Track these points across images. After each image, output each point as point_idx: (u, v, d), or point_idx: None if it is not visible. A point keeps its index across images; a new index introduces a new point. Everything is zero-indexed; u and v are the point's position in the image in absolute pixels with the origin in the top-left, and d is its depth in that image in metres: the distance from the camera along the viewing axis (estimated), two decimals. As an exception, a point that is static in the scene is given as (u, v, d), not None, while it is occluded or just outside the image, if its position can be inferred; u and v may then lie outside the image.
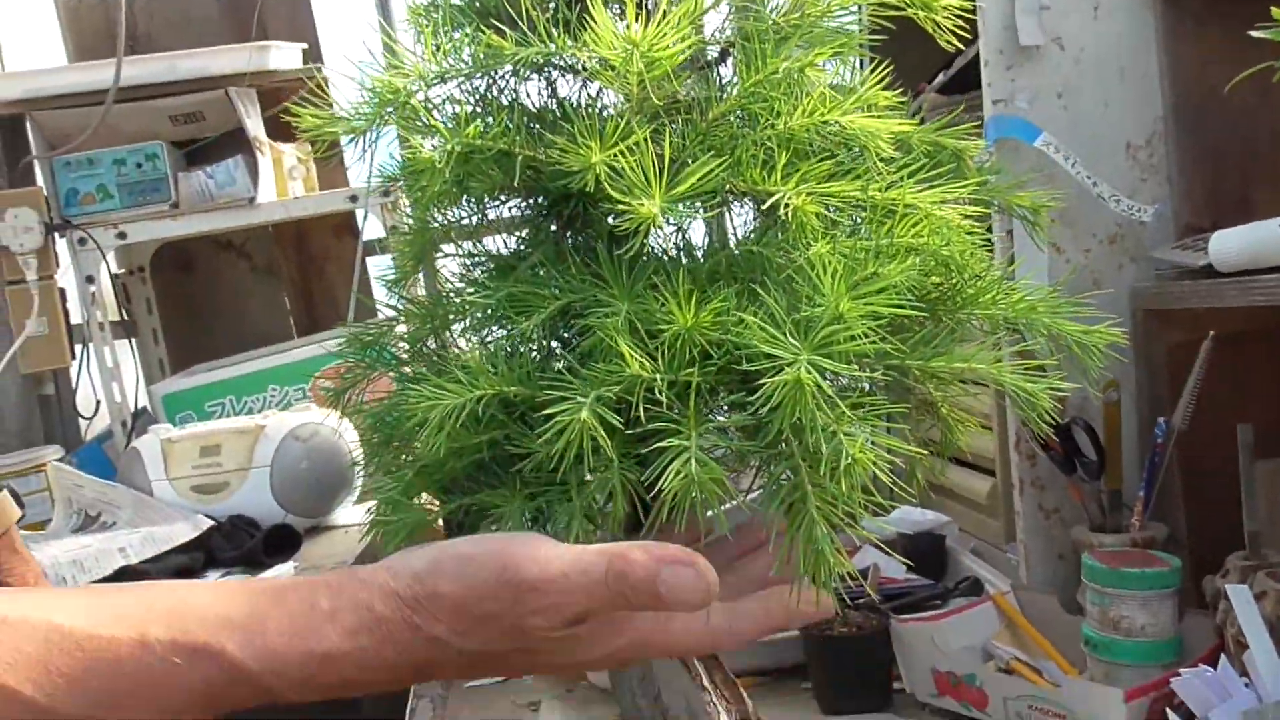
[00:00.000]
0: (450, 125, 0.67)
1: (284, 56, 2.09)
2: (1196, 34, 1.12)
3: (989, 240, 0.66)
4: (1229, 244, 0.98)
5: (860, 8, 0.76)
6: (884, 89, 0.70)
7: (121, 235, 2.01)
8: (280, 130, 2.20)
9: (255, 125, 2.06)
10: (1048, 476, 1.19)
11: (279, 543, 1.70)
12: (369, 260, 2.21)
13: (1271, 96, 0.86)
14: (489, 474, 0.58)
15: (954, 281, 0.61)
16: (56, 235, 2.01)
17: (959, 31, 0.73)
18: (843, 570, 0.49)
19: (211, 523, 1.72)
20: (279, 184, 2.09)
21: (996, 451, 1.29)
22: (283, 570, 1.61)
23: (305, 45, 2.19)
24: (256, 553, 1.66)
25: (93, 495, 1.82)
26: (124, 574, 1.56)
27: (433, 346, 0.70)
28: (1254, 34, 0.77)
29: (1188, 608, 1.00)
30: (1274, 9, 0.76)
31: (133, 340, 2.30)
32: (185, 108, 2.04)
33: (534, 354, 0.61)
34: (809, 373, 0.47)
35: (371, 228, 2.13)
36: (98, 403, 2.21)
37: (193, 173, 2.03)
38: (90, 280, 2.02)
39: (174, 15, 2.27)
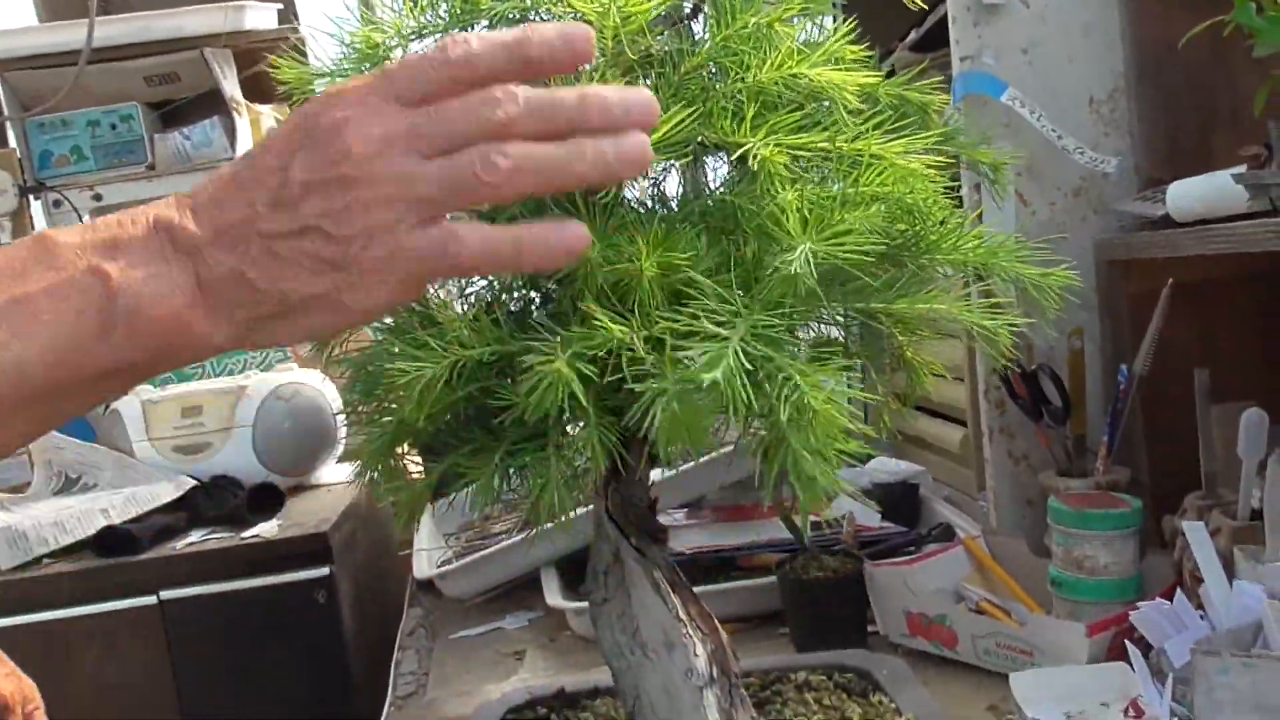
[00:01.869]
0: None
1: (260, 16, 2.08)
2: (1158, -9, 1.14)
3: (953, 188, 0.68)
4: (1186, 195, 1.01)
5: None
6: (852, 44, 0.72)
7: (97, 197, 2.01)
8: (257, 91, 2.19)
9: (231, 86, 2.05)
10: (1016, 424, 1.22)
11: (263, 501, 1.72)
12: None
13: (1226, 51, 0.88)
14: (468, 428, 0.60)
15: (918, 228, 0.63)
16: (31, 198, 2.00)
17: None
18: (837, 490, 0.52)
19: (194, 482, 1.74)
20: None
21: (967, 402, 1.32)
22: (267, 528, 1.63)
23: (280, 5, 2.17)
24: (240, 511, 1.68)
25: (73, 457, 1.84)
26: (107, 534, 1.58)
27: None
28: (1208, -12, 0.80)
29: (1149, 547, 1.04)
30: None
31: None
32: (160, 68, 2.03)
33: (516, 306, 0.63)
34: (740, 351, 0.48)
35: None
36: (77, 366, 2.21)
37: (169, 134, 2.02)
38: (67, 243, 2.02)
39: (147, -25, 2.24)
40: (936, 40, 1.41)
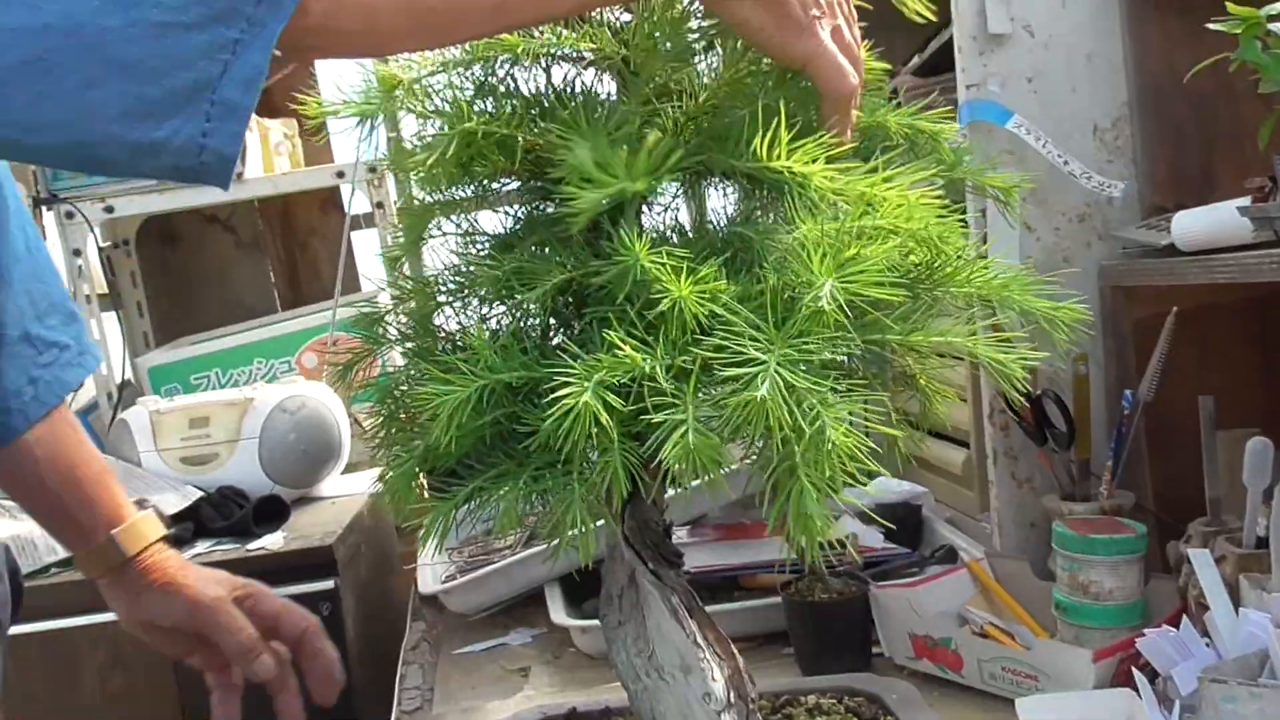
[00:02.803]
0: (453, 109, 0.70)
1: (269, 32, 2.09)
2: (1159, 21, 1.16)
3: (959, 212, 0.69)
4: (1190, 225, 1.02)
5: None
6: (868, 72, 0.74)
7: (109, 209, 2.02)
8: (266, 105, 2.21)
9: (241, 100, 2.06)
10: (1020, 447, 1.23)
11: (268, 513, 1.72)
12: (353, 235, 2.23)
13: (1230, 81, 0.90)
14: (493, 451, 0.61)
15: (931, 260, 0.64)
16: (43, 208, 2.02)
17: (932, 17, 0.76)
18: (829, 536, 0.53)
19: (201, 494, 1.75)
20: (265, 159, 2.10)
21: (971, 423, 1.34)
22: (272, 540, 1.64)
23: (289, 20, 2.18)
24: (246, 523, 1.69)
25: (82, 467, 1.84)
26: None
27: (437, 323, 0.73)
28: (1211, 26, 0.81)
29: (1153, 572, 1.05)
30: (1228, 3, 0.80)
31: (119, 312, 2.31)
32: (170, 82, 2.04)
33: (536, 332, 0.65)
34: (778, 377, 0.50)
35: (357, 203, 2.14)
36: (83, 376, 2.22)
37: (178, 147, 2.03)
38: (77, 254, 2.03)
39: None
40: (940, 65, 1.43)
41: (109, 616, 1.52)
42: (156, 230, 2.36)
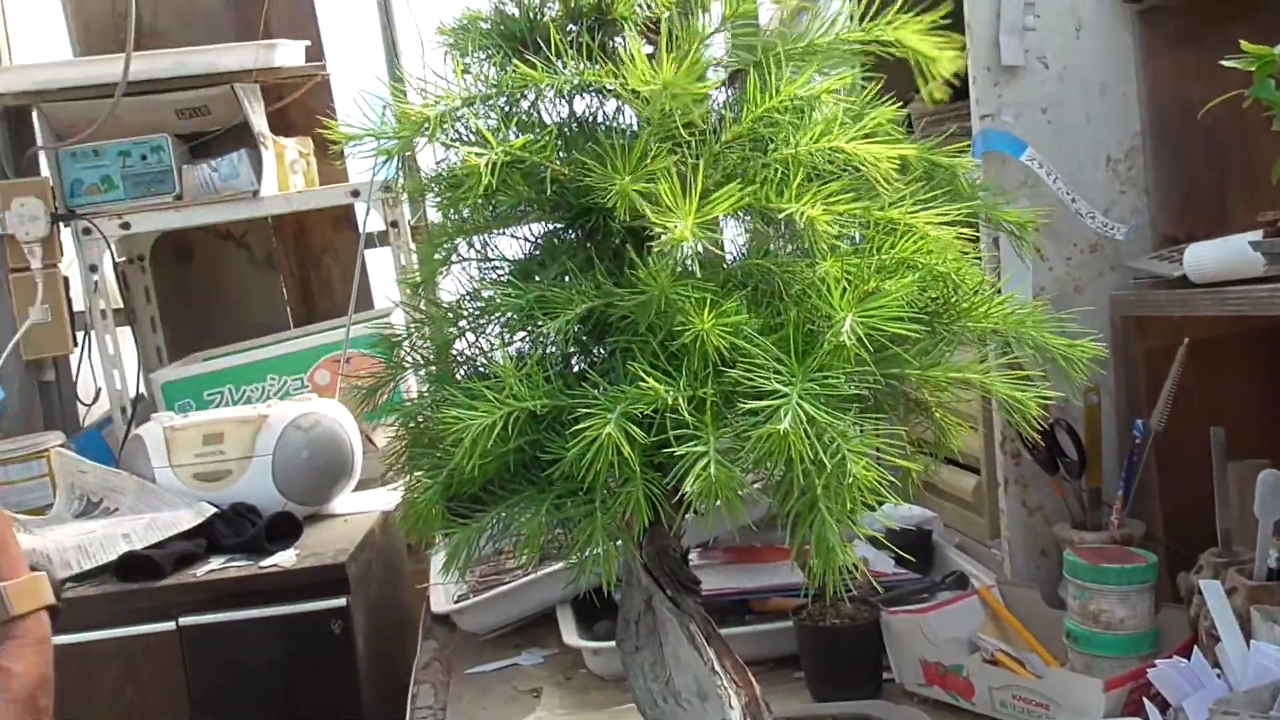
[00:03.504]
0: (479, 140, 0.71)
1: (289, 54, 2.12)
2: (1172, 54, 1.17)
3: (973, 240, 0.70)
4: (1203, 258, 1.03)
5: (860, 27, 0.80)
6: (882, 105, 0.75)
7: (125, 225, 2.04)
8: (283, 123, 2.23)
9: (259, 120, 2.09)
10: (1031, 475, 1.24)
11: (280, 530, 1.73)
12: (367, 253, 2.24)
13: (1243, 113, 0.91)
14: (516, 478, 0.62)
15: (949, 295, 0.65)
16: (61, 225, 2.04)
17: (947, 77, 0.78)
18: (849, 564, 0.54)
19: (214, 510, 1.76)
20: (281, 177, 2.12)
21: (982, 450, 1.34)
22: (285, 557, 1.65)
23: (308, 42, 2.21)
24: (259, 540, 1.70)
25: (96, 481, 1.86)
26: (129, 559, 1.60)
27: (458, 348, 0.75)
28: (1225, 64, 0.82)
29: (1164, 602, 1.05)
30: (1242, 41, 0.81)
31: (133, 328, 2.32)
32: (191, 102, 2.07)
33: (560, 361, 0.66)
34: (799, 410, 0.51)
35: (372, 221, 2.16)
36: (97, 390, 2.23)
37: (197, 165, 2.06)
38: (94, 269, 2.05)
39: (180, 8, 2.29)
40: (955, 92, 1.44)
41: (123, 631, 1.55)
42: (171, 246, 2.38)
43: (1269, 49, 0.84)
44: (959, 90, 1.36)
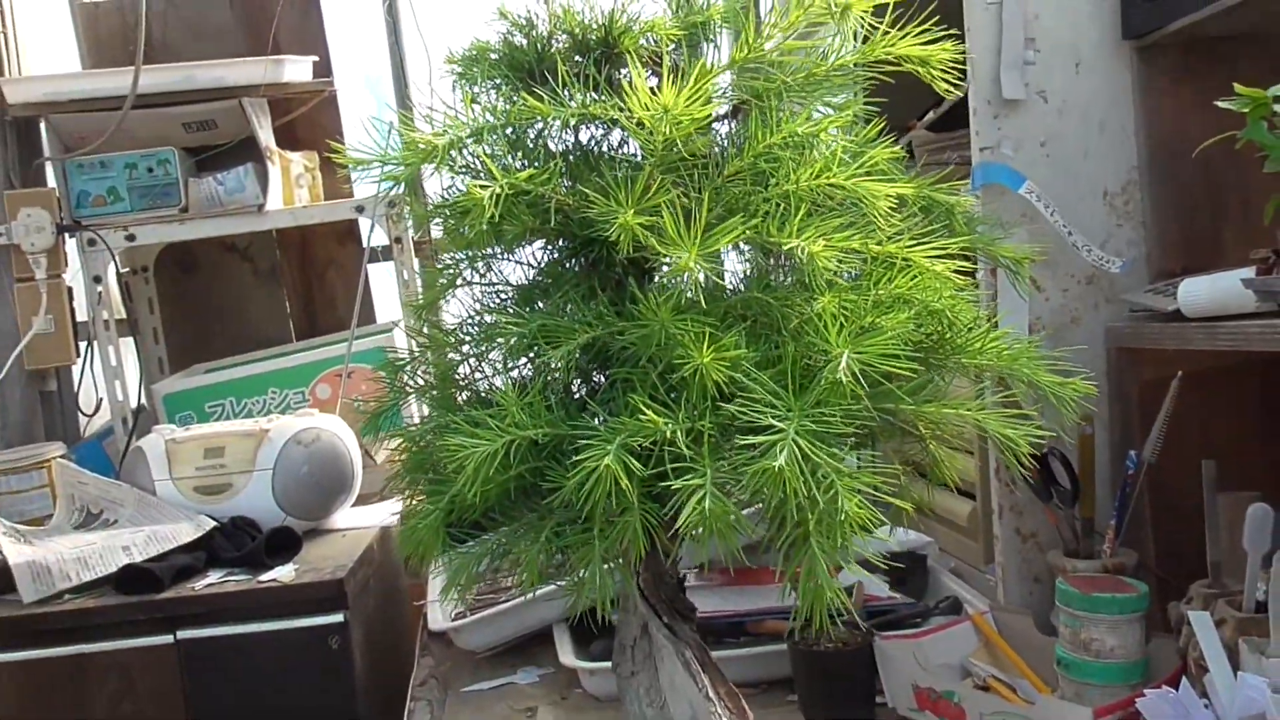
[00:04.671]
0: (485, 171, 0.73)
1: (297, 69, 2.14)
2: (1170, 91, 1.19)
3: (970, 272, 0.72)
4: (1196, 293, 1.04)
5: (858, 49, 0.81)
6: (880, 137, 0.76)
7: (130, 237, 2.05)
8: (289, 138, 2.25)
9: (266, 135, 2.10)
10: (1026, 502, 1.25)
11: (280, 544, 1.74)
12: (370, 267, 2.26)
13: (1238, 153, 0.93)
14: (517, 505, 0.63)
15: (944, 332, 0.67)
16: (66, 235, 2.05)
17: (951, 77, 0.79)
18: (837, 599, 0.55)
19: (214, 523, 1.77)
20: (286, 191, 2.14)
21: (977, 477, 1.35)
22: (283, 572, 1.65)
23: (316, 58, 2.23)
24: (258, 554, 1.70)
25: (96, 492, 1.86)
26: (127, 571, 1.61)
27: (463, 374, 0.76)
28: (1219, 104, 0.84)
29: (1154, 632, 1.06)
30: (1235, 84, 0.83)
31: (135, 338, 2.34)
32: (199, 115, 2.09)
33: (561, 389, 0.67)
34: (795, 447, 0.52)
35: (376, 236, 2.17)
36: (99, 400, 2.24)
37: (203, 179, 2.08)
38: (98, 280, 2.06)
39: (190, 23, 2.31)
40: (955, 120, 1.46)
41: (121, 643, 1.56)
42: (175, 258, 2.39)
43: (1262, 92, 0.86)
44: (960, 119, 1.38)
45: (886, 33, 0.78)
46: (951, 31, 0.80)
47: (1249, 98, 0.87)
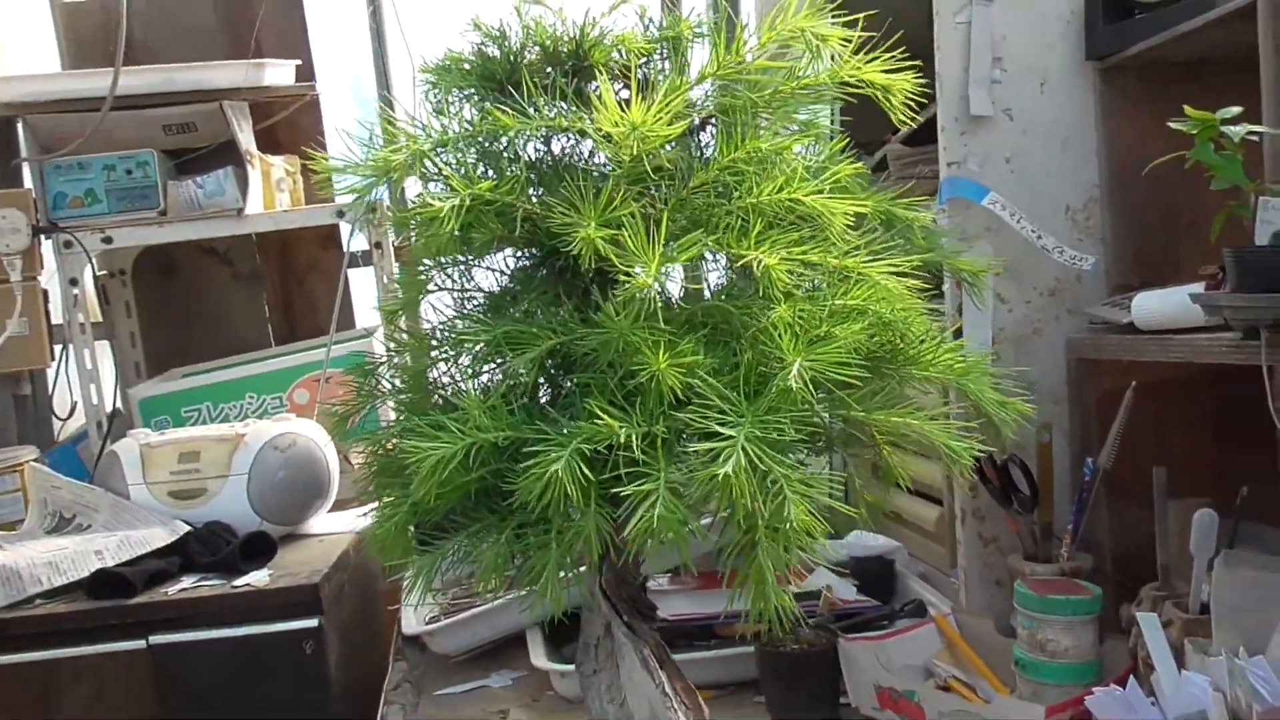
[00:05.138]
0: (453, 180, 0.75)
1: (279, 73, 2.15)
2: (1131, 112, 1.23)
3: (936, 302, 0.74)
4: (1149, 306, 1.08)
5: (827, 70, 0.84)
6: (845, 152, 0.79)
7: (107, 240, 2.05)
8: (270, 142, 2.26)
9: (247, 138, 2.11)
10: (988, 508, 1.28)
11: (255, 549, 1.74)
12: (350, 272, 2.26)
13: (1191, 172, 0.96)
14: (479, 507, 0.65)
15: (896, 343, 0.69)
16: (42, 237, 2.05)
17: (918, 99, 0.82)
18: (785, 606, 0.57)
19: (188, 528, 1.77)
20: (266, 195, 2.15)
21: (944, 483, 1.38)
22: (258, 577, 1.66)
23: (299, 62, 2.24)
24: (233, 559, 1.70)
25: (70, 497, 1.86)
26: (100, 576, 1.61)
27: (431, 378, 0.78)
28: (1171, 125, 0.87)
29: (1108, 633, 1.09)
30: (1185, 106, 0.86)
31: (112, 342, 2.33)
32: (179, 118, 2.09)
33: (526, 393, 0.69)
34: (744, 452, 0.54)
35: (356, 242, 2.18)
36: (73, 404, 2.24)
37: (182, 181, 2.08)
38: (74, 283, 2.06)
39: (171, 24, 2.31)
40: (929, 135, 1.49)
41: (93, 648, 1.55)
42: (154, 261, 2.39)
43: (1210, 114, 0.89)
44: (931, 132, 1.41)
45: (856, 52, 0.81)
46: (915, 62, 0.82)
47: (1198, 120, 0.90)
